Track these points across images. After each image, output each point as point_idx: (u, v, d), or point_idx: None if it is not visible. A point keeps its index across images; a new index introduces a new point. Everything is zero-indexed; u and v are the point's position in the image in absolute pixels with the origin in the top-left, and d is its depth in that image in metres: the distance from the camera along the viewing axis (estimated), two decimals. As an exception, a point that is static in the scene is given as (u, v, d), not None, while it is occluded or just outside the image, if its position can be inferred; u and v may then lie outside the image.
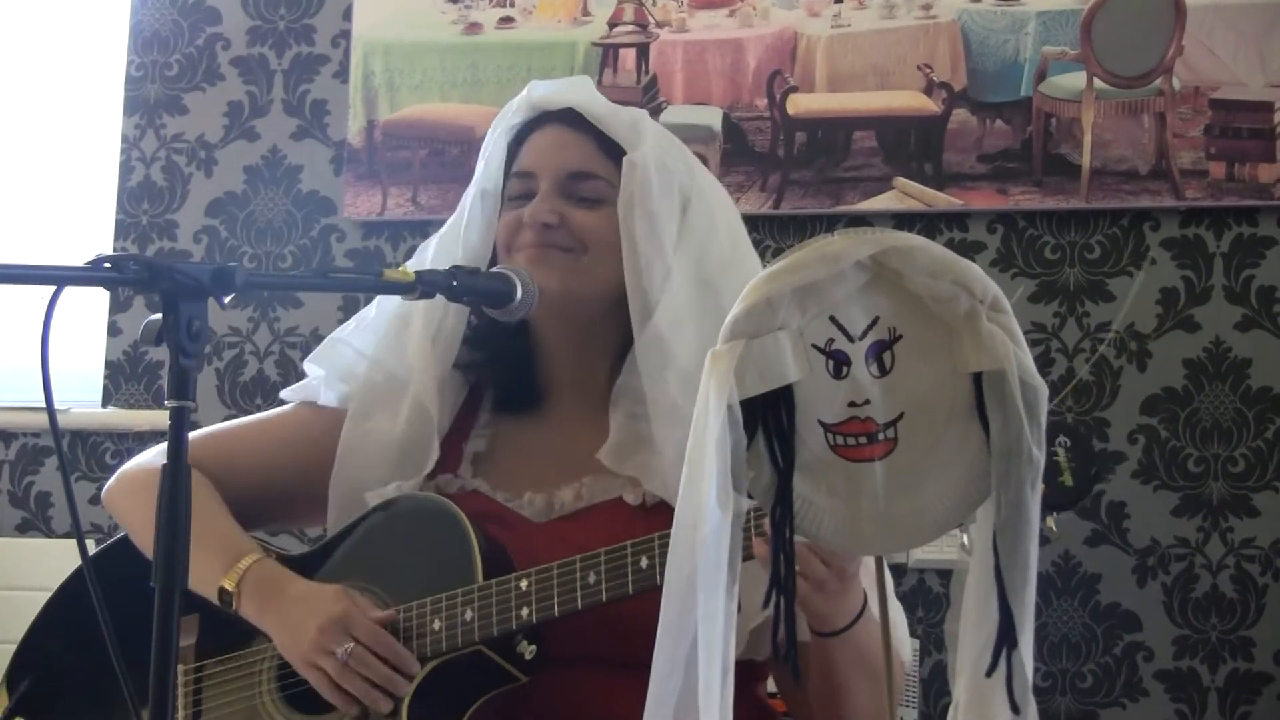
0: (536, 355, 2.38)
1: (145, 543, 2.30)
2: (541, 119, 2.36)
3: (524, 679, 2.16)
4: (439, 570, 2.19)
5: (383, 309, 2.41)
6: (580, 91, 2.35)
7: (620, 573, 2.06)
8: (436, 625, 2.15)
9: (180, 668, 2.32)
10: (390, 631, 2.16)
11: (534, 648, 2.14)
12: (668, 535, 1.95)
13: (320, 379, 2.45)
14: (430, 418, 2.33)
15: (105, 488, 2.52)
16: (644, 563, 2.04)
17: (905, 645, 2.28)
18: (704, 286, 2.28)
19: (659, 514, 2.21)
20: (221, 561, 2.27)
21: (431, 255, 2.38)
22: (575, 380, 2.35)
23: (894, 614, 2.20)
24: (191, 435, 2.45)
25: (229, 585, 2.25)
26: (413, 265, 2.28)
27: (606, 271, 2.27)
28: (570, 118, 2.33)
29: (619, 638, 2.11)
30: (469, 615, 2.14)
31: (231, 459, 2.44)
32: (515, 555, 2.20)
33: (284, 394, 2.54)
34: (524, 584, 2.12)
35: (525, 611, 2.11)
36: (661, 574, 1.97)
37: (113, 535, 4.35)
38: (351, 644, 2.12)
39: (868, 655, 2.04)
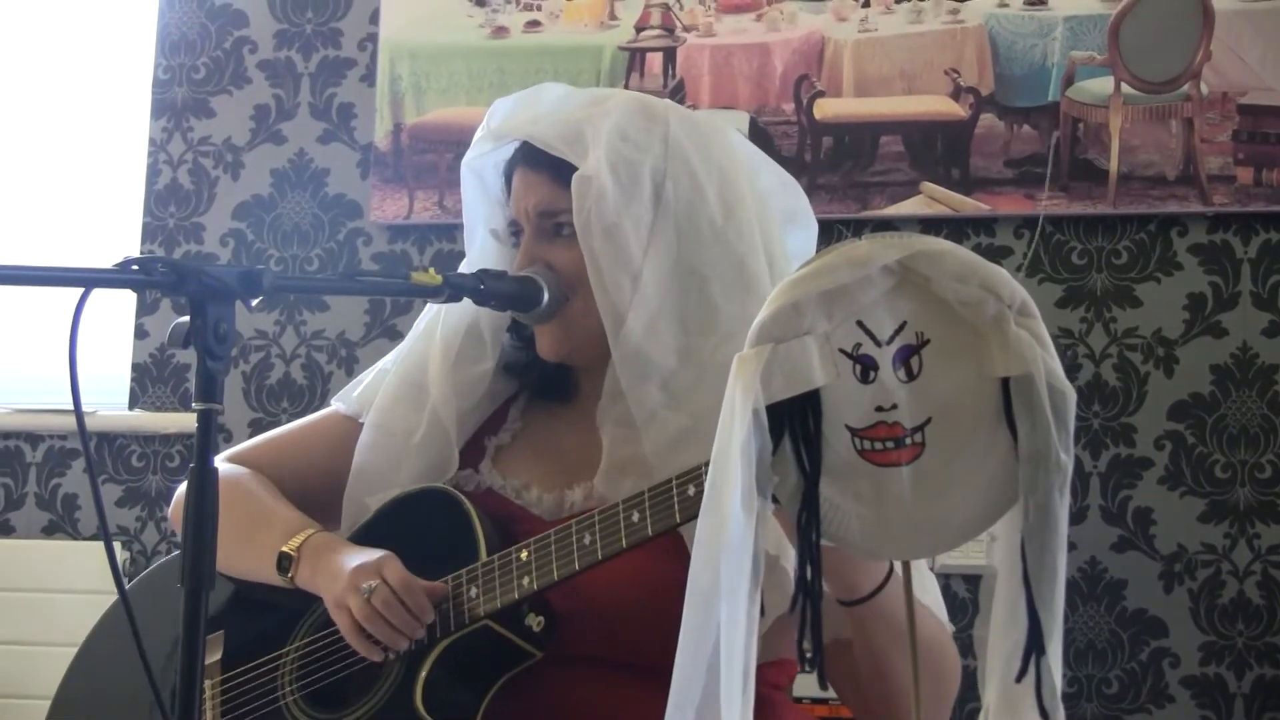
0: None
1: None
2: (517, 155, 2.32)
3: (538, 654, 2.14)
4: (445, 554, 2.19)
5: (417, 327, 2.41)
6: (529, 115, 2.31)
7: (613, 530, 2.03)
8: (444, 606, 2.15)
9: (207, 683, 2.32)
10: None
11: (541, 619, 2.12)
12: (657, 489, 1.97)
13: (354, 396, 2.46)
14: (447, 432, 2.33)
15: (171, 508, 2.53)
16: (635, 517, 2.00)
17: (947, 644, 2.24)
18: (685, 275, 2.22)
19: None
20: (283, 538, 2.27)
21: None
22: (595, 387, 2.32)
23: (932, 592, 2.19)
24: (241, 445, 2.49)
25: (289, 549, 2.25)
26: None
27: (593, 305, 2.23)
28: (530, 151, 2.28)
29: (632, 641, 2.12)
30: (474, 592, 2.14)
31: (279, 462, 2.46)
32: None
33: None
34: (524, 554, 2.11)
35: (527, 580, 2.09)
36: (654, 526, 1.97)
37: (138, 538, 4.39)
38: (377, 581, 2.12)
39: (904, 625, 1.93)
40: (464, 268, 2.34)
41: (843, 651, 2.02)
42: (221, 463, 2.43)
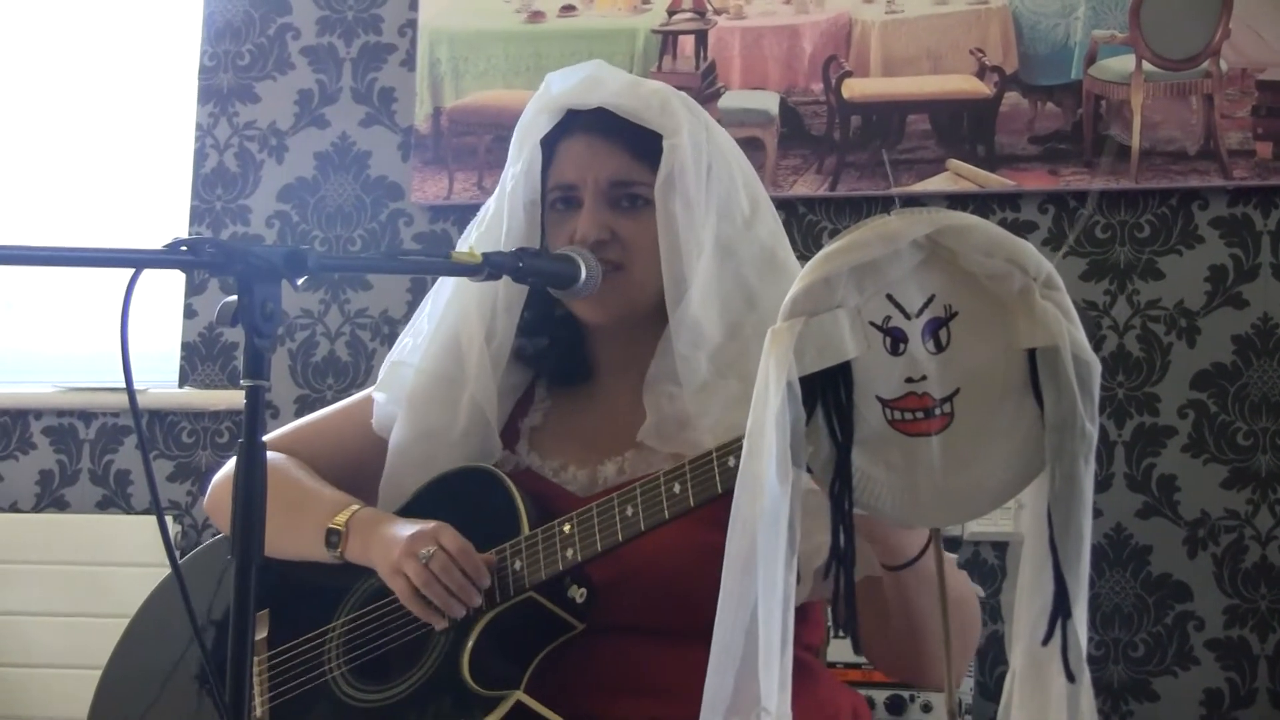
0: (586, 339, 2.39)
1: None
2: (571, 124, 2.34)
3: (579, 625, 2.18)
4: (487, 530, 2.22)
5: (434, 320, 2.41)
6: (605, 86, 2.32)
7: (655, 501, 2.06)
8: (489, 580, 2.18)
9: (254, 659, 2.33)
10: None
11: (584, 591, 2.16)
12: (698, 461, 2.00)
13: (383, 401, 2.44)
14: (488, 420, 2.34)
15: (206, 500, 2.56)
16: (677, 489, 2.04)
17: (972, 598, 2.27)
18: (725, 254, 2.27)
19: None
20: (329, 515, 2.31)
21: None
22: (622, 363, 2.36)
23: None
24: (278, 431, 2.50)
25: (337, 524, 2.28)
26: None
27: (651, 276, 2.27)
28: (601, 121, 2.31)
29: (671, 608, 2.17)
30: (518, 565, 2.16)
31: (313, 447, 2.49)
32: None
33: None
34: (567, 528, 2.14)
35: (570, 553, 2.12)
36: (696, 497, 2.01)
37: (188, 512, 4.44)
38: (435, 548, 2.15)
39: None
40: (474, 240, 2.36)
41: (868, 590, 2.03)
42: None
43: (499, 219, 2.34)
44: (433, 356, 2.38)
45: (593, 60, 2.38)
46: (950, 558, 2.01)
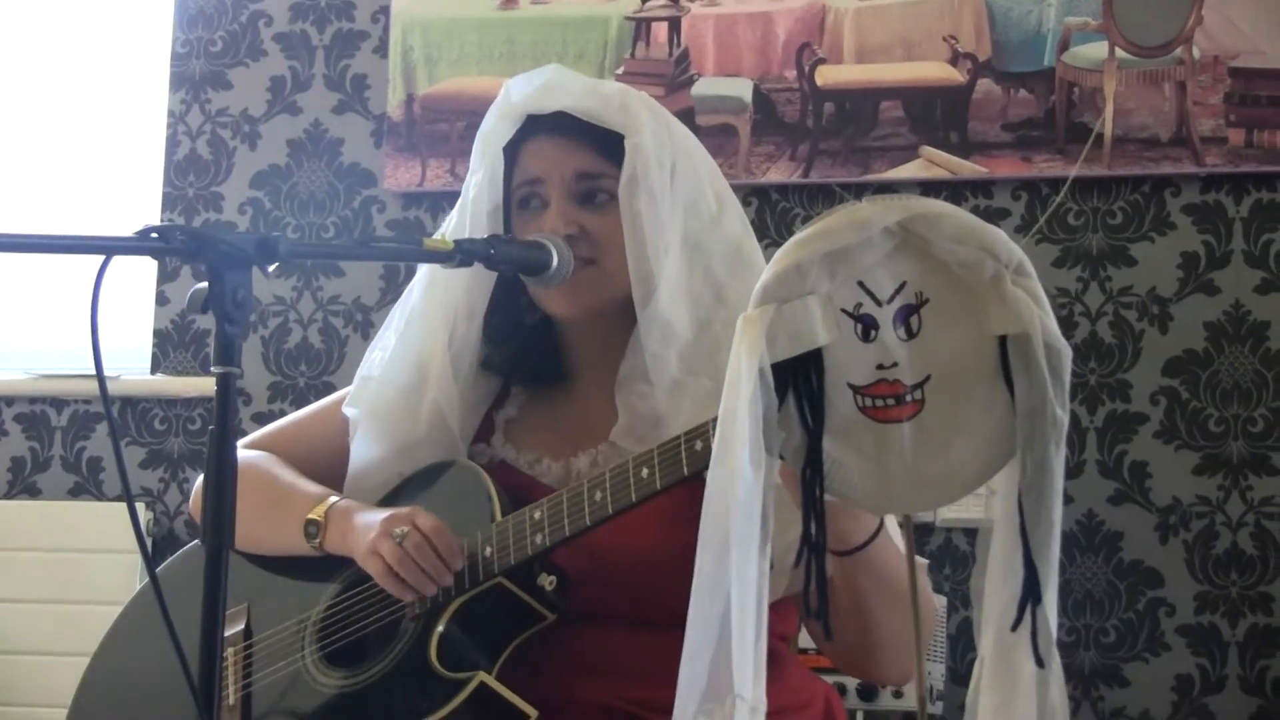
0: (558, 340, 2.40)
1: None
2: (532, 128, 2.33)
3: (550, 616, 2.18)
4: (463, 522, 2.22)
5: (399, 332, 2.40)
6: (565, 90, 2.31)
7: (623, 486, 2.06)
8: (462, 561, 2.19)
9: (229, 650, 2.36)
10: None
11: (553, 579, 2.16)
12: (666, 446, 2.00)
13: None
14: (449, 426, 2.35)
15: (190, 501, 2.56)
16: (644, 473, 2.04)
17: (930, 595, 2.29)
18: (693, 251, 2.27)
19: None
20: (307, 508, 2.31)
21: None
22: (594, 361, 2.36)
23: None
24: (258, 432, 2.53)
25: (315, 516, 2.29)
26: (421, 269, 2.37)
27: (624, 270, 2.25)
28: (563, 122, 2.30)
29: (648, 599, 2.16)
30: (488, 551, 2.17)
31: (293, 446, 2.50)
32: None
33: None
34: (537, 514, 2.14)
35: (539, 538, 2.13)
36: (662, 480, 2.02)
37: (160, 499, 4.45)
38: (409, 528, 2.15)
39: (891, 578, 2.02)
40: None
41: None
42: (239, 449, 2.45)
43: (462, 229, 2.34)
44: (396, 370, 2.38)
45: (550, 65, 2.38)
46: (922, 563, 2.01)
